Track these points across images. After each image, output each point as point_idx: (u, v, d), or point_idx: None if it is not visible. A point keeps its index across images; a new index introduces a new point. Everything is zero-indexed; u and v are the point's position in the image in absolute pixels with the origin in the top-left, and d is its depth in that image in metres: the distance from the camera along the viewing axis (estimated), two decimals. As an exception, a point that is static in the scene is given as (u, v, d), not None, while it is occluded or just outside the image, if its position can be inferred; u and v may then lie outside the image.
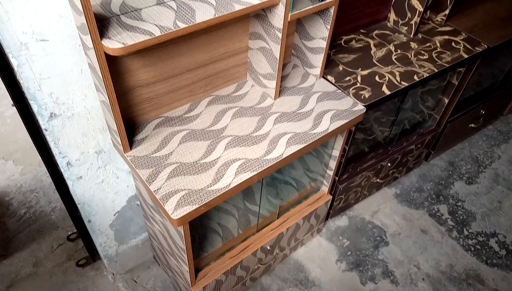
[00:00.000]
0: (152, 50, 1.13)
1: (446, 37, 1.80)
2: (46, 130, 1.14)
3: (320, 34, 1.39)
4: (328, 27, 1.35)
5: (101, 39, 0.91)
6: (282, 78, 1.50)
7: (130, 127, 1.25)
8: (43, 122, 1.12)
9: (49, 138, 1.16)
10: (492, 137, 2.59)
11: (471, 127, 2.40)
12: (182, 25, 0.98)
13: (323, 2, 1.25)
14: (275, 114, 1.35)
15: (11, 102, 1.12)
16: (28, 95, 1.06)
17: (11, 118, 2.16)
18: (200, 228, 1.44)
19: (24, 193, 1.61)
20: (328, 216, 2.00)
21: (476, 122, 2.38)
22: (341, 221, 2.09)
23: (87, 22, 0.86)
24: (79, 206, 1.41)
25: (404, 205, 2.18)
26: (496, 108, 2.54)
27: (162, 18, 1.00)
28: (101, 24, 0.96)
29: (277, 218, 1.68)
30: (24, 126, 1.18)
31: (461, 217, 2.14)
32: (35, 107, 1.09)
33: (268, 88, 1.40)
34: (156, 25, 0.97)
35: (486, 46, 1.77)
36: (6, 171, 2.01)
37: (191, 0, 1.07)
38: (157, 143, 1.22)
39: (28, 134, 1.24)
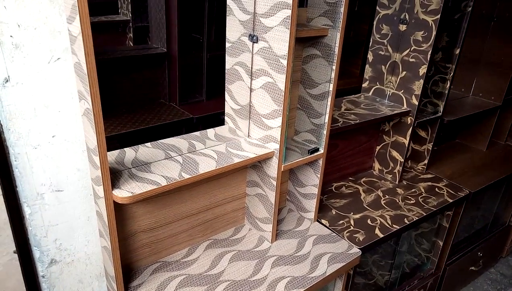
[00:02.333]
0: (156, 197, 1.22)
1: (429, 183, 1.95)
2: (44, 277, 1.14)
3: (312, 181, 1.52)
4: (318, 175, 1.48)
5: (112, 189, 1.01)
6: (278, 222, 1.57)
7: (128, 273, 1.25)
8: (42, 269, 1.13)
9: (44, 285, 1.15)
10: (497, 281, 2.51)
11: (472, 271, 2.35)
12: (186, 176, 1.10)
13: (312, 155, 1.41)
14: (272, 258, 1.37)
15: (7, 250, 1.15)
16: (33, 242, 1.10)
17: (4, 266, 2.11)
18: None
19: None
20: None
21: (476, 265, 2.34)
22: None
23: (102, 175, 0.97)
24: None
25: None
26: (494, 251, 2.53)
27: (169, 170, 1.12)
28: (113, 176, 1.07)
29: None
30: (16, 274, 1.18)
31: None
32: (37, 254, 1.12)
33: (265, 231, 1.45)
34: (163, 176, 1.08)
35: (468, 191, 1.89)
36: (-14, 324, 1.87)
37: (195, 154, 1.22)
38: (152, 290, 1.20)
39: (17, 284, 1.22)
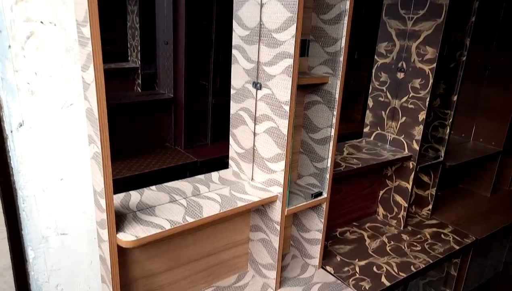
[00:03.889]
0: (160, 241, 1.21)
1: (434, 229, 1.92)
2: (42, 324, 1.11)
3: (316, 226, 1.51)
4: (322, 220, 1.48)
5: (116, 232, 1.01)
6: (282, 268, 1.53)
7: (127, 322, 1.22)
8: (40, 316, 1.10)
9: (41, 333, 1.12)
10: (512, 335, 2.39)
11: (485, 323, 2.25)
12: (190, 220, 1.10)
13: (315, 199, 1.41)
14: (276, 307, 1.33)
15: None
16: (34, 287, 1.08)
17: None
18: None
19: None
20: None
21: (488, 316, 2.25)
22: None
23: (107, 218, 0.98)
24: None
25: None
26: (506, 301, 2.44)
27: (173, 213, 1.12)
28: (118, 219, 1.07)
29: None
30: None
31: None
32: (36, 299, 1.10)
33: (269, 278, 1.42)
34: (167, 220, 1.09)
35: (474, 238, 1.86)
36: None
37: (199, 198, 1.23)
38: (152, 340, 1.16)
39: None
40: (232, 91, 1.38)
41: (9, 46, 0.92)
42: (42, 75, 0.98)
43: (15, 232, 1.02)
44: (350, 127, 2.77)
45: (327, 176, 1.42)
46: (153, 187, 1.27)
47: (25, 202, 1.01)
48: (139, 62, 2.39)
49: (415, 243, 1.79)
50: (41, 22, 0.94)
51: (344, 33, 1.26)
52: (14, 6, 0.89)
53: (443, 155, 1.92)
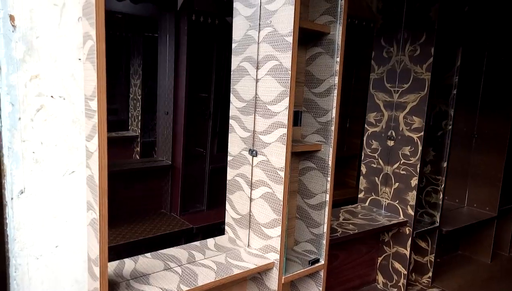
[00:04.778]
0: (152, 313, 1.17)
1: (436, 298, 1.87)
2: None
3: (313, 295, 1.47)
4: (320, 288, 1.44)
5: (108, 303, 0.98)
6: None
7: None
8: None
9: None
10: None
11: None
12: (185, 288, 1.08)
13: (313, 266, 1.39)
14: None
15: None
16: None
17: None
18: None
19: None
20: None
21: None
22: None
23: (100, 287, 0.96)
24: None
25: None
26: None
27: (167, 281, 1.10)
28: (111, 287, 1.05)
29: None
30: None
31: None
32: None
33: None
34: (161, 289, 1.06)
35: (478, 306, 1.81)
36: None
37: (194, 265, 1.21)
38: None
39: None
40: (229, 158, 1.43)
41: (19, 119, 0.98)
42: (47, 144, 1.03)
43: (4, 303, 0.99)
44: (345, 193, 2.79)
45: (324, 242, 1.42)
46: (148, 254, 1.26)
47: (17, 271, 1.00)
48: (139, 131, 2.48)
49: (417, 314, 1.72)
50: (51, 96, 1.01)
51: (334, 104, 1.34)
52: (28, 82, 0.97)
53: (438, 220, 1.93)
